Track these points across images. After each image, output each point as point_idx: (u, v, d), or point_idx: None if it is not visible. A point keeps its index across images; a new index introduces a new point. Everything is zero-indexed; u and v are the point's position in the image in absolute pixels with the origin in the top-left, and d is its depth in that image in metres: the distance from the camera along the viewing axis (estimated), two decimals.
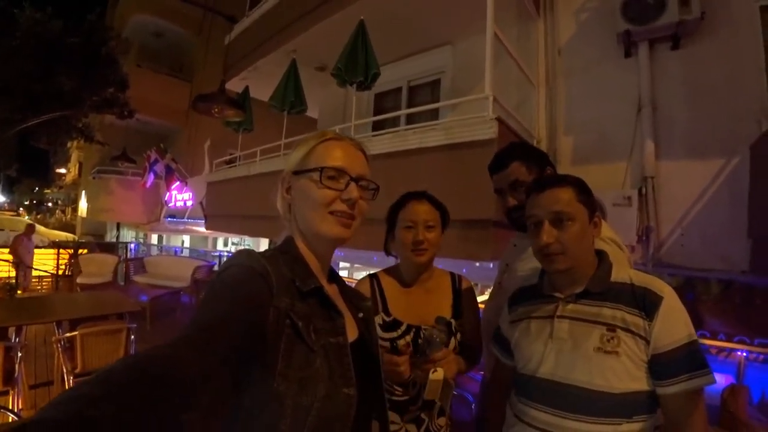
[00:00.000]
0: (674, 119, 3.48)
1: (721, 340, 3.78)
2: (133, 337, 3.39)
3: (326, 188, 0.81)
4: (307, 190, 0.82)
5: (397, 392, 1.30)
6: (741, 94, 3.23)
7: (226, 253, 10.66)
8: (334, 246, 0.88)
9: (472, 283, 1.48)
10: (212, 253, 10.88)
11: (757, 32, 3.24)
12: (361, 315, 0.94)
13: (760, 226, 2.90)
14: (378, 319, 1.35)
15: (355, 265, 8.14)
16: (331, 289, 0.90)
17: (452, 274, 1.49)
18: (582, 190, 1.06)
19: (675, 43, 3.47)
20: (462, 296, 1.44)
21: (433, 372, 1.16)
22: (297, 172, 0.84)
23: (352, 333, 0.84)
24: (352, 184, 0.83)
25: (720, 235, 3.21)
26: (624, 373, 0.95)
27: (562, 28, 4.17)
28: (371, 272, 1.50)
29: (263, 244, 10.24)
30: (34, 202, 41.78)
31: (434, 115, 4.97)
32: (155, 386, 0.43)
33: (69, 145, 17.10)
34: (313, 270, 0.81)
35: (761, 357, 3.49)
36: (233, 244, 13.52)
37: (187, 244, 13.41)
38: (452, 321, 1.37)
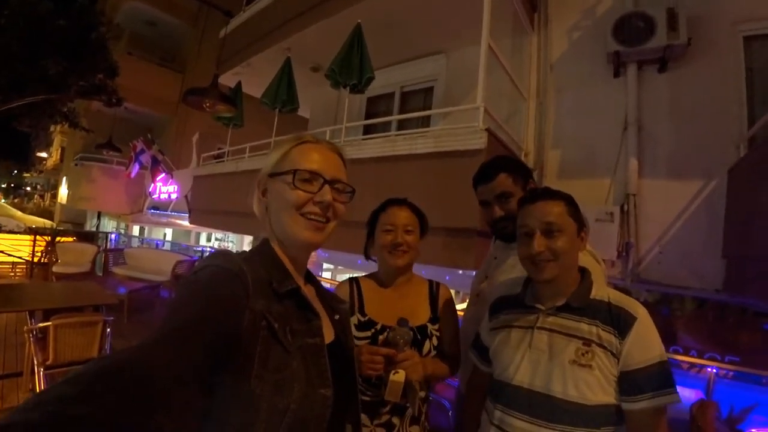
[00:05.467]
0: (658, 139, 3.57)
1: (692, 356, 3.87)
2: (109, 330, 3.31)
3: (298, 190, 0.81)
4: (281, 192, 0.82)
5: (368, 393, 1.28)
6: (722, 119, 3.34)
7: (208, 249, 10.52)
8: (308, 249, 0.88)
9: (453, 291, 1.50)
10: (194, 248, 10.74)
11: (739, 60, 3.36)
12: (337, 317, 0.95)
13: (734, 247, 3.00)
14: (353, 320, 1.36)
15: (339, 267, 8.11)
16: (308, 291, 0.90)
17: (430, 282, 1.51)
18: (571, 204, 1.11)
19: (662, 66, 3.57)
20: (439, 302, 1.46)
21: (394, 373, 1.15)
22: (272, 175, 0.85)
23: (328, 335, 0.85)
24: (326, 187, 0.83)
25: (696, 253, 3.31)
26: (597, 386, 0.99)
27: (555, 44, 4.26)
28: (352, 275, 1.52)
29: (247, 241, 10.14)
30: (12, 185, 40.59)
31: (426, 121, 5.01)
32: (129, 388, 0.43)
33: (52, 129, 16.66)
34: (290, 271, 0.81)
35: (731, 374, 3.59)
36: (217, 239, 13.30)
37: (169, 237, 13.15)
38: (428, 324, 1.38)
